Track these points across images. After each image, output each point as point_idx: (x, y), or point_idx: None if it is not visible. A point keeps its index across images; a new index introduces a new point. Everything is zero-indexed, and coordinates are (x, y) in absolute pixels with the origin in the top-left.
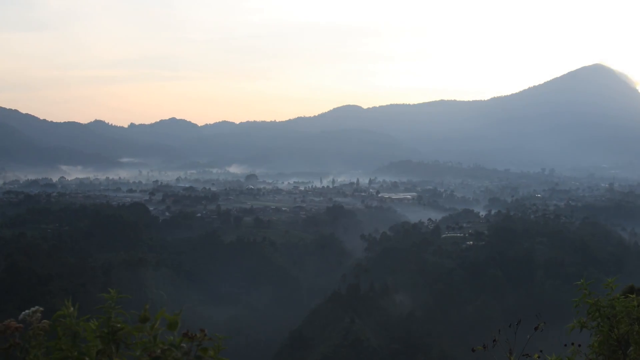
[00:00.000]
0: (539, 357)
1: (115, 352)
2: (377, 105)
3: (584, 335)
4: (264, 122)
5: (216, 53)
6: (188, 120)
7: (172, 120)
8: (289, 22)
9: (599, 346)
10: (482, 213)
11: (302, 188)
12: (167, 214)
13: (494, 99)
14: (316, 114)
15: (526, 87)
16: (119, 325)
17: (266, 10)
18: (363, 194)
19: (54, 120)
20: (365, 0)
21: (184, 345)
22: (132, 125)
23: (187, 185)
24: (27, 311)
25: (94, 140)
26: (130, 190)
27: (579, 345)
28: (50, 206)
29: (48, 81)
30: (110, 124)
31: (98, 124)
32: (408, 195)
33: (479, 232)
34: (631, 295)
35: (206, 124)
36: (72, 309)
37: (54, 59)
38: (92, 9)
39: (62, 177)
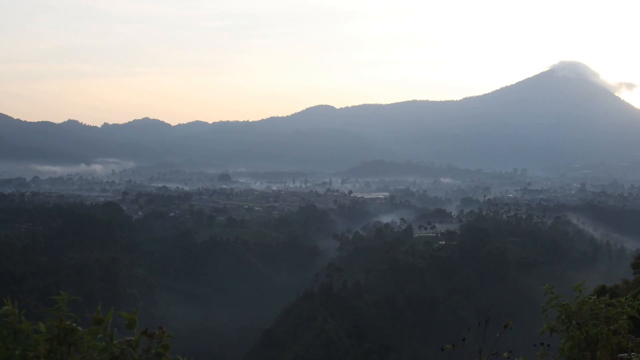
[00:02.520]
0: (508, 357)
1: (67, 353)
2: (350, 105)
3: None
4: (237, 122)
5: (186, 48)
6: (161, 120)
7: (146, 120)
8: (255, 12)
9: (569, 350)
10: (455, 213)
11: (275, 188)
12: (140, 213)
13: (466, 99)
14: (289, 114)
15: (498, 88)
16: (71, 327)
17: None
18: (335, 193)
19: (28, 120)
20: None
21: (146, 342)
22: (105, 125)
23: (160, 185)
24: None
25: (67, 139)
26: (104, 190)
27: (548, 346)
28: (24, 205)
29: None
30: (83, 123)
31: (72, 124)
32: (380, 195)
33: (451, 232)
34: (603, 297)
35: (179, 124)
36: (14, 307)
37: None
38: None
39: (36, 176)
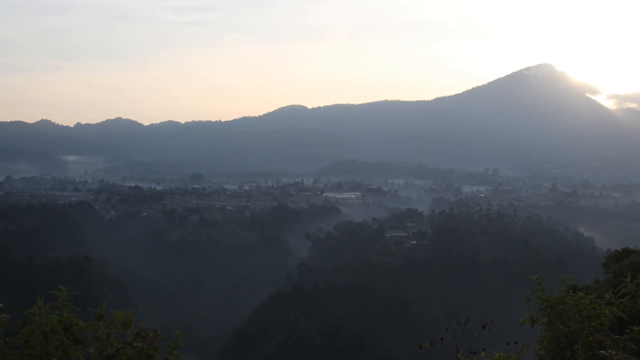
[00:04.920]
0: (484, 355)
1: (73, 346)
2: (322, 105)
3: (527, 331)
4: (209, 122)
5: (156, 45)
6: (134, 119)
7: (118, 119)
8: (222, 5)
9: (548, 342)
10: (426, 212)
11: (247, 187)
12: (112, 212)
13: (437, 99)
14: (261, 114)
15: (470, 88)
16: (76, 321)
17: None
18: (307, 193)
19: (0, 120)
20: None
21: (139, 344)
22: (78, 124)
23: (132, 185)
24: None
25: (40, 139)
26: (77, 190)
27: (520, 344)
28: None
29: None
30: (56, 123)
31: (44, 123)
32: (352, 195)
33: (423, 232)
34: (589, 295)
35: (152, 124)
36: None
37: None
38: None
39: (9, 176)
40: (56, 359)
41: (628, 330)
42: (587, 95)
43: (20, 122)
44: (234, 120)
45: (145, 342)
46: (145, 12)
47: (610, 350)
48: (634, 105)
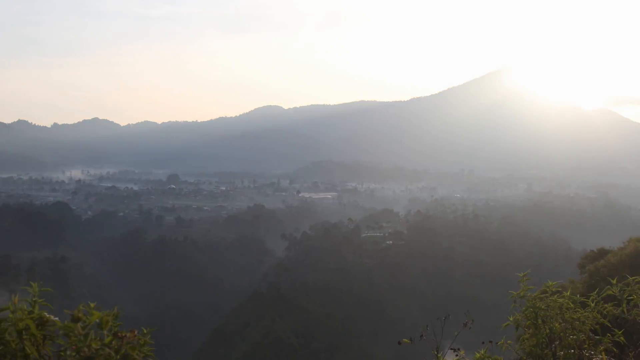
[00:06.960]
0: (463, 354)
1: (42, 343)
2: (298, 106)
3: (505, 330)
4: (185, 122)
5: (135, 44)
6: (111, 120)
7: (95, 120)
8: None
9: (533, 346)
10: (402, 213)
11: (223, 188)
12: (89, 212)
13: (413, 100)
14: (237, 114)
15: (446, 88)
16: (48, 317)
17: None
18: (284, 193)
19: None
20: None
21: (115, 342)
22: (55, 125)
23: (109, 185)
24: None
25: (17, 139)
26: (53, 190)
27: (491, 342)
28: None
29: None
30: (33, 123)
31: (21, 124)
32: (328, 195)
33: (399, 232)
34: (574, 297)
35: (129, 124)
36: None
37: None
38: None
39: None
40: (32, 355)
41: (609, 334)
42: (563, 96)
43: None
44: (210, 120)
45: (123, 342)
46: (116, 5)
47: (590, 351)
48: (609, 106)
